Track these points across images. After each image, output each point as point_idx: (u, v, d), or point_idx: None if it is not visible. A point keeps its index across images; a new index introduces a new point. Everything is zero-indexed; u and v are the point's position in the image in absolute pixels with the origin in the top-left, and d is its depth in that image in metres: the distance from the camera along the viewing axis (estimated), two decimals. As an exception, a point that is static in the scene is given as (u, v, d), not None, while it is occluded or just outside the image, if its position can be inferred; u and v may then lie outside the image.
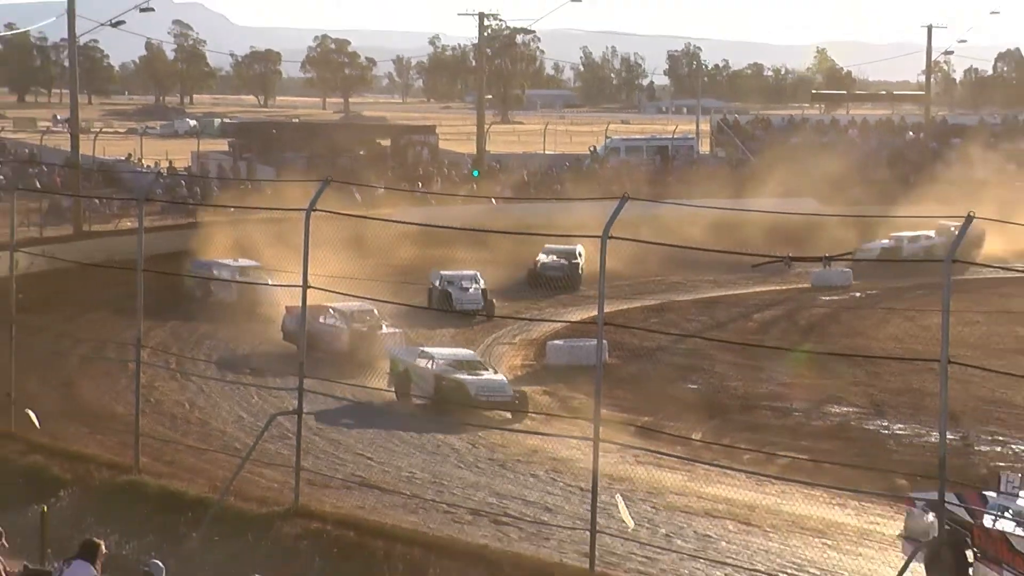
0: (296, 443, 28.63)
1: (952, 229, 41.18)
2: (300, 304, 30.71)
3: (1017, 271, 46.39)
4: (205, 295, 56.24)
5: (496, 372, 45.58)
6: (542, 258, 66.00)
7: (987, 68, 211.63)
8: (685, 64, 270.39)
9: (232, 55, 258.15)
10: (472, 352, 47.50)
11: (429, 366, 43.84)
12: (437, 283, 59.30)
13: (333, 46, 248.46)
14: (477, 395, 42.20)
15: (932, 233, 69.70)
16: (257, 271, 55.90)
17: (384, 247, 54.60)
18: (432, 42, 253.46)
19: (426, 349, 45.92)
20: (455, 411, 40.53)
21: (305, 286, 29.46)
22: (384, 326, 50.00)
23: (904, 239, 70.69)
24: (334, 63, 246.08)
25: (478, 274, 60.21)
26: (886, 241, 70.45)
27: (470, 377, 43.09)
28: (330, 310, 48.85)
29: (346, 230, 40.82)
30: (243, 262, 58.48)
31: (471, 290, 59.01)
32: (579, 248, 65.46)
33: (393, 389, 43.80)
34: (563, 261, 65.39)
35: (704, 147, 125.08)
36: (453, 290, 58.48)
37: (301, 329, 30.51)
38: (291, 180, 41.25)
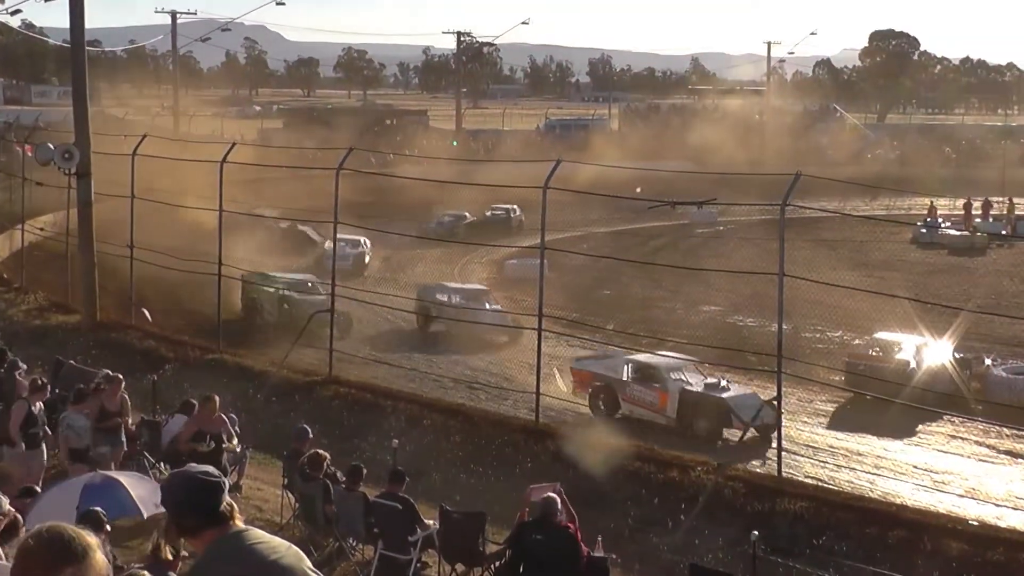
0: (329, 331, 28.48)
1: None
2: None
3: (829, 212, 46.31)
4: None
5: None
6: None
7: (808, 72, 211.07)
8: (601, 68, 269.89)
9: (285, 61, 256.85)
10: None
11: None
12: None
13: (355, 54, 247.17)
14: None
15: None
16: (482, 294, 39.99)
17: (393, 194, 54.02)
18: (425, 51, 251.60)
19: None
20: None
21: (336, 222, 29.24)
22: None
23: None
24: (356, 66, 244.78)
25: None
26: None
27: None
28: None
29: (366, 182, 40.43)
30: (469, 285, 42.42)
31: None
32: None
33: None
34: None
35: (615, 126, 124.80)
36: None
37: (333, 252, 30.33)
38: (326, 148, 40.74)
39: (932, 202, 71.48)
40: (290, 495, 19.23)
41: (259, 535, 5.43)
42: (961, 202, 72.85)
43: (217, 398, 18.83)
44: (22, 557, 4.70)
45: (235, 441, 18.94)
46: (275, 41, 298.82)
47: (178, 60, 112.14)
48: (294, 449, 19.61)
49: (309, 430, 20.24)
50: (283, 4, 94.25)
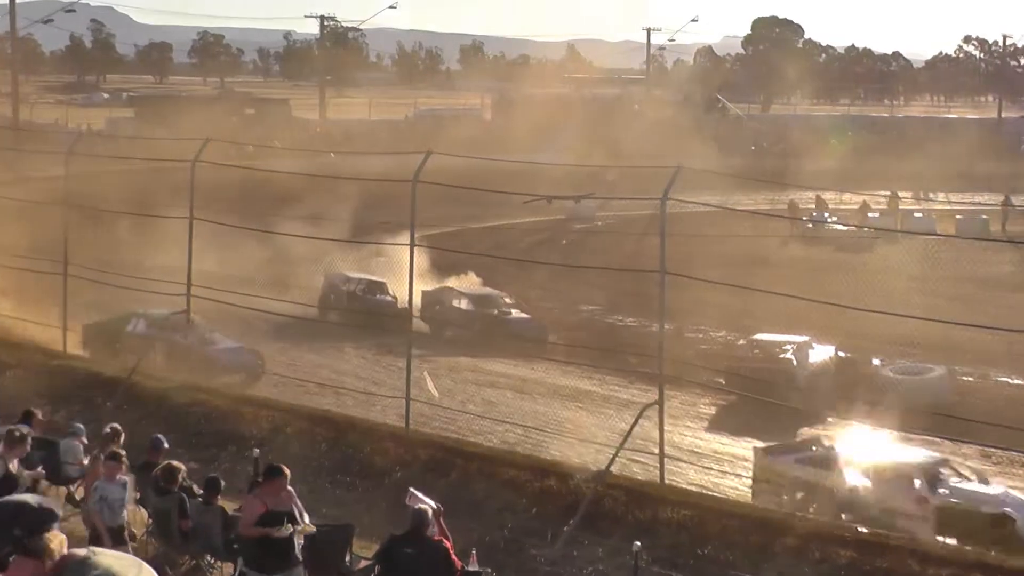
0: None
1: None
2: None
3: (712, 206, 46.80)
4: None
5: None
6: None
7: (690, 60, 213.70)
8: (473, 55, 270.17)
9: (135, 45, 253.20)
10: None
11: None
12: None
13: (211, 39, 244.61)
14: None
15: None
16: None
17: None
18: (286, 36, 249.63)
19: None
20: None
21: (191, 217, 28.93)
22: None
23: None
24: (212, 51, 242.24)
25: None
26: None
27: None
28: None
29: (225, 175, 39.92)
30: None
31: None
32: None
33: None
34: None
35: (488, 116, 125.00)
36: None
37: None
38: (181, 138, 40.23)
39: (792, 200, 71.37)
40: (143, 510, 18.98)
41: (107, 559, 5.35)
42: (847, 195, 74.02)
43: (288, 471, 15.84)
44: None
45: (307, 518, 16.07)
46: (124, 24, 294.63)
47: (17, 43, 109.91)
48: (147, 461, 19.34)
49: (164, 440, 19.97)
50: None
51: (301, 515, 15.77)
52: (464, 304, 41.09)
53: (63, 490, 20.50)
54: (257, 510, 15.46)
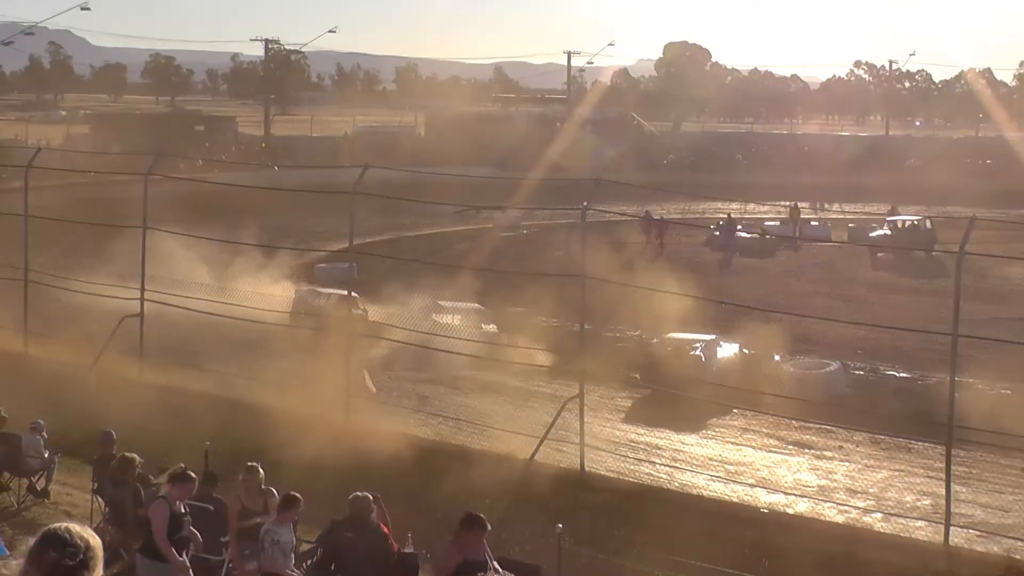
0: (139, 335, 27.86)
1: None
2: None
3: (628, 216, 47.11)
4: None
5: None
6: None
7: (607, 81, 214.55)
8: (407, 76, 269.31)
9: (92, 66, 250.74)
10: None
11: None
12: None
13: (163, 60, 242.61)
14: None
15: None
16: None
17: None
18: (233, 58, 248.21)
19: None
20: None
21: (144, 226, 28.69)
22: None
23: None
24: (163, 72, 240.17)
25: None
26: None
27: None
28: None
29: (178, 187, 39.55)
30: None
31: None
32: None
33: None
34: None
35: (421, 132, 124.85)
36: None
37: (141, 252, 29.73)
38: (135, 153, 40.00)
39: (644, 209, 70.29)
40: (100, 499, 18.83)
41: None
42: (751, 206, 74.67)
43: (488, 524, 14.77)
44: None
45: (496, 564, 14.95)
46: (81, 46, 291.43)
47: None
48: (103, 453, 19.21)
49: (113, 433, 19.73)
50: (88, 9, 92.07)
51: (492, 563, 14.96)
52: (443, 318, 37.47)
53: (24, 481, 20.42)
54: (455, 559, 14.69)
